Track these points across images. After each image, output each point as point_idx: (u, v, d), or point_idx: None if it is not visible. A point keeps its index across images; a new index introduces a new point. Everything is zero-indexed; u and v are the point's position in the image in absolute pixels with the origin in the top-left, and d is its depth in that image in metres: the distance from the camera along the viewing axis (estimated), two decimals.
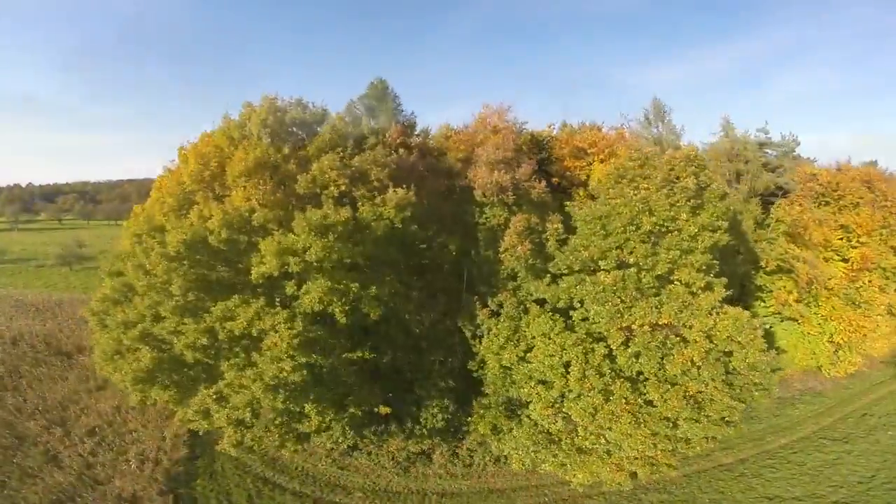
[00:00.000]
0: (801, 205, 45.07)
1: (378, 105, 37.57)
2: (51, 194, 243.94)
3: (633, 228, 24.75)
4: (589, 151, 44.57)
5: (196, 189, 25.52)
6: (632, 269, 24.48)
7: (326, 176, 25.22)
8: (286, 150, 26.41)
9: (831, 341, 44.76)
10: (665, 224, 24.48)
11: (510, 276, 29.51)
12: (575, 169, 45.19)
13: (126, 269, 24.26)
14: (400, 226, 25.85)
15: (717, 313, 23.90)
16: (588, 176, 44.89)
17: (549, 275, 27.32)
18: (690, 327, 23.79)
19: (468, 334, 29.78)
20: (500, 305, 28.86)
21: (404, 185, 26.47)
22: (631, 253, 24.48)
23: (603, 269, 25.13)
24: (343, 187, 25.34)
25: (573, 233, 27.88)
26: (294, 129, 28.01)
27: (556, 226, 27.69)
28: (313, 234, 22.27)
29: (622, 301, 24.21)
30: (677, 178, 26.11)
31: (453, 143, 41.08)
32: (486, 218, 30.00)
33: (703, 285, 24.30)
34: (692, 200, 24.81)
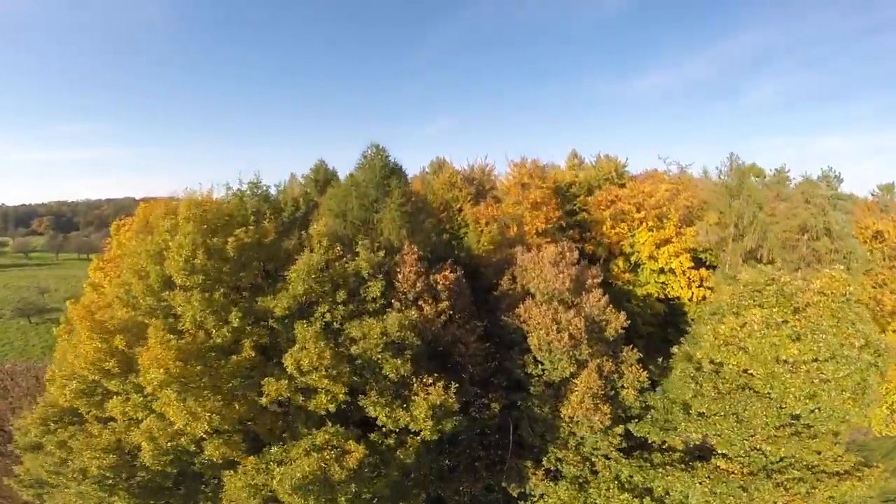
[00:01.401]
0: None
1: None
2: (25, 217, 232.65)
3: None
4: (634, 215, 38.05)
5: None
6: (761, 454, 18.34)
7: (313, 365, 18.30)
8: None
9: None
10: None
11: (573, 432, 23.07)
12: (614, 235, 38.86)
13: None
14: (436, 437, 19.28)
15: None
16: (633, 245, 38.58)
17: (629, 441, 21.09)
18: None
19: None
20: (560, 462, 22.60)
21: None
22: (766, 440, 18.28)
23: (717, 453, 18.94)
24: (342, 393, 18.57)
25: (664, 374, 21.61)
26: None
27: (638, 375, 21.50)
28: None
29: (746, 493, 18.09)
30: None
31: (474, 218, 34.60)
32: (545, 371, 22.91)
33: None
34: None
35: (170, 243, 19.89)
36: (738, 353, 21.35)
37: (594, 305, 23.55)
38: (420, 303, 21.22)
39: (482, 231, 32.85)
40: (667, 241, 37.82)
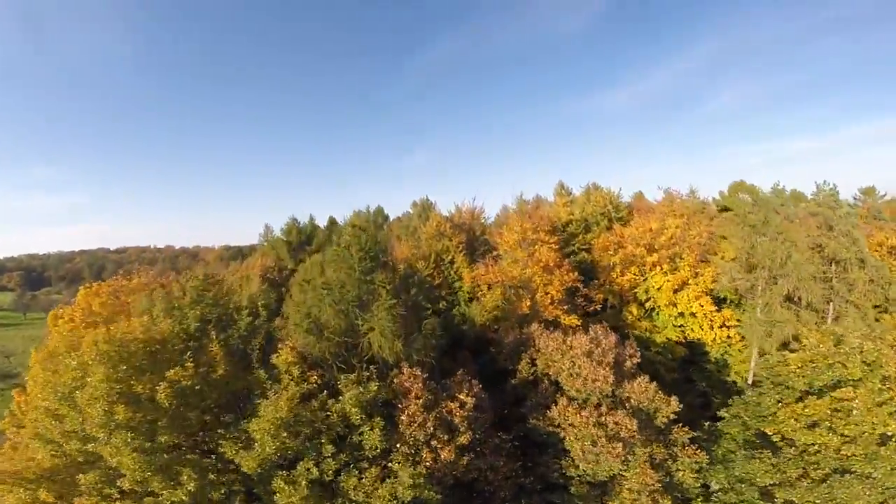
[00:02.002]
0: None
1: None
2: None
3: None
4: (646, 258, 34.46)
5: None
6: None
7: None
8: None
9: None
10: None
11: None
12: (625, 281, 35.18)
13: None
14: None
15: None
16: (647, 291, 34.91)
17: None
18: None
19: None
20: None
21: None
22: None
23: None
24: None
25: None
26: None
27: (695, 457, 17.58)
28: None
29: None
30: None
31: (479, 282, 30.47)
32: (588, 471, 18.60)
33: None
34: None
35: (78, 391, 15.15)
36: (829, 434, 17.75)
37: (642, 394, 19.40)
38: (433, 443, 16.54)
39: (485, 296, 28.69)
40: (684, 284, 34.36)
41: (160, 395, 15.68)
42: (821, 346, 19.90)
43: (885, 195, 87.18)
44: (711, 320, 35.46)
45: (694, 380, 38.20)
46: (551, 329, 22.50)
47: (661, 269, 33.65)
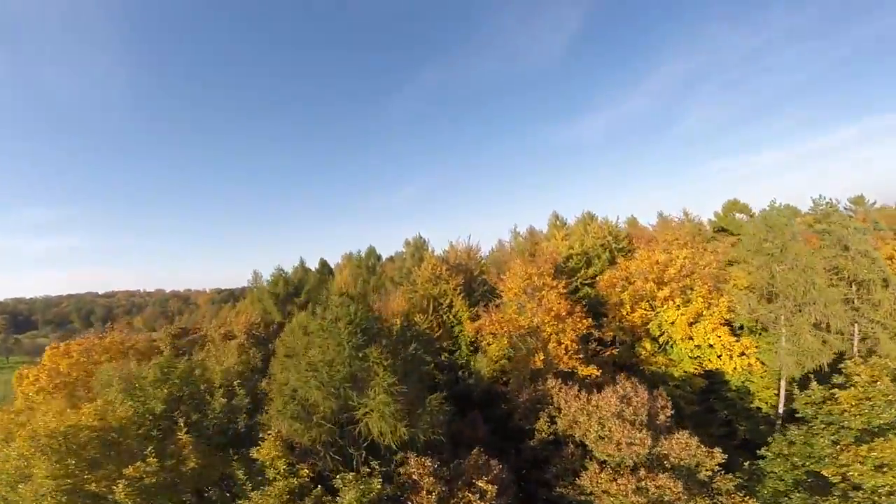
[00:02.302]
0: None
1: None
2: None
3: None
4: (656, 293, 32.51)
5: None
6: None
7: None
8: None
9: None
10: None
11: None
12: (637, 318, 33.10)
13: None
14: None
15: None
16: (661, 326, 32.80)
17: None
18: None
19: None
20: None
21: None
22: None
23: None
24: None
25: None
26: None
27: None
28: None
29: None
30: None
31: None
32: None
33: None
34: None
35: (22, 485, 12.56)
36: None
37: (682, 450, 16.97)
38: None
39: (490, 346, 26.35)
40: (699, 316, 32.38)
41: (119, 495, 13.05)
42: (877, 382, 17.88)
43: (874, 203, 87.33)
44: (730, 350, 33.37)
45: (716, 409, 35.88)
46: (569, 383, 20.17)
47: (674, 302, 31.69)
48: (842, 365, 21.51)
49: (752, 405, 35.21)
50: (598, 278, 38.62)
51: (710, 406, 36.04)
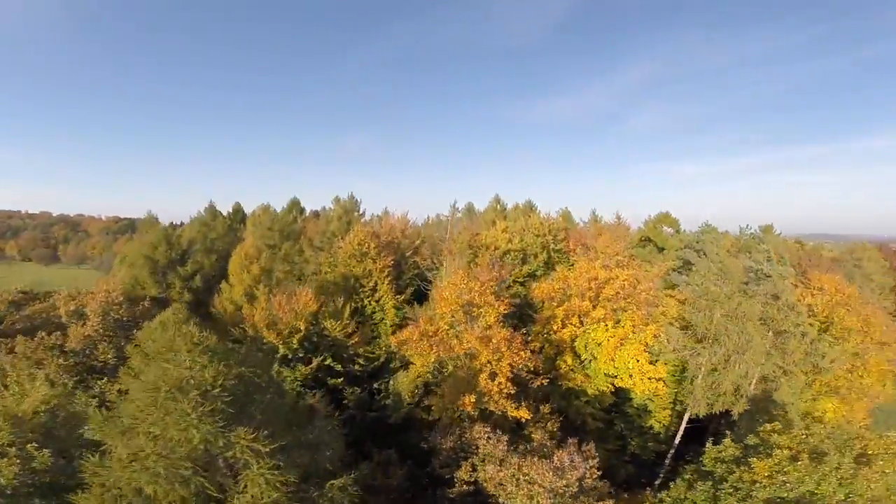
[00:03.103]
0: None
1: None
2: None
3: None
4: (591, 314, 31.20)
5: None
6: None
7: None
8: None
9: None
10: None
11: None
12: (566, 334, 31.79)
13: None
14: None
15: None
16: (587, 345, 31.78)
17: None
18: None
19: None
20: None
21: None
22: None
23: None
24: None
25: None
26: None
27: None
28: None
29: None
30: None
31: None
32: None
33: None
34: None
35: None
36: None
37: None
38: None
39: (413, 363, 23.19)
40: (624, 340, 31.86)
41: None
42: (798, 460, 17.59)
43: (780, 234, 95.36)
44: (644, 373, 33.61)
45: (615, 424, 36.79)
46: (497, 432, 17.80)
47: (605, 324, 30.70)
48: (760, 428, 21.44)
49: (647, 423, 36.49)
50: (534, 284, 36.80)
51: (611, 420, 36.83)
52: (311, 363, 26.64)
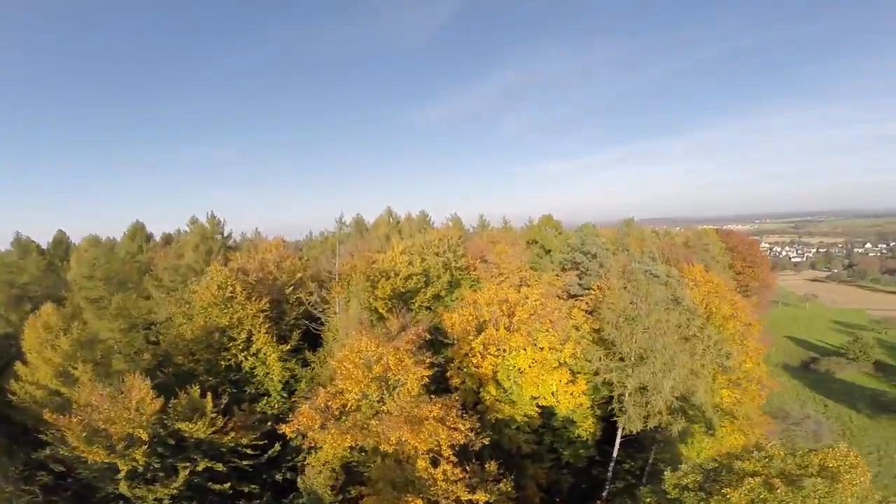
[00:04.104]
0: None
1: None
2: None
3: None
4: (509, 343, 28.15)
5: None
6: None
7: None
8: None
9: None
10: None
11: None
12: (487, 366, 28.39)
13: None
14: None
15: None
16: (509, 374, 28.71)
17: None
18: None
19: None
20: None
21: None
22: None
23: None
24: None
25: None
26: None
27: None
28: None
29: None
30: None
31: None
32: None
33: None
34: None
35: None
36: None
37: None
38: None
39: (321, 448, 17.34)
40: (544, 361, 29.64)
41: None
42: (777, 488, 16.25)
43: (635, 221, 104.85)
44: (567, 391, 31.99)
45: (545, 438, 35.45)
46: None
47: (525, 351, 28.00)
48: (717, 455, 20.24)
49: (574, 433, 35.76)
50: (442, 311, 32.89)
51: (541, 437, 35.39)
52: (177, 474, 19.09)
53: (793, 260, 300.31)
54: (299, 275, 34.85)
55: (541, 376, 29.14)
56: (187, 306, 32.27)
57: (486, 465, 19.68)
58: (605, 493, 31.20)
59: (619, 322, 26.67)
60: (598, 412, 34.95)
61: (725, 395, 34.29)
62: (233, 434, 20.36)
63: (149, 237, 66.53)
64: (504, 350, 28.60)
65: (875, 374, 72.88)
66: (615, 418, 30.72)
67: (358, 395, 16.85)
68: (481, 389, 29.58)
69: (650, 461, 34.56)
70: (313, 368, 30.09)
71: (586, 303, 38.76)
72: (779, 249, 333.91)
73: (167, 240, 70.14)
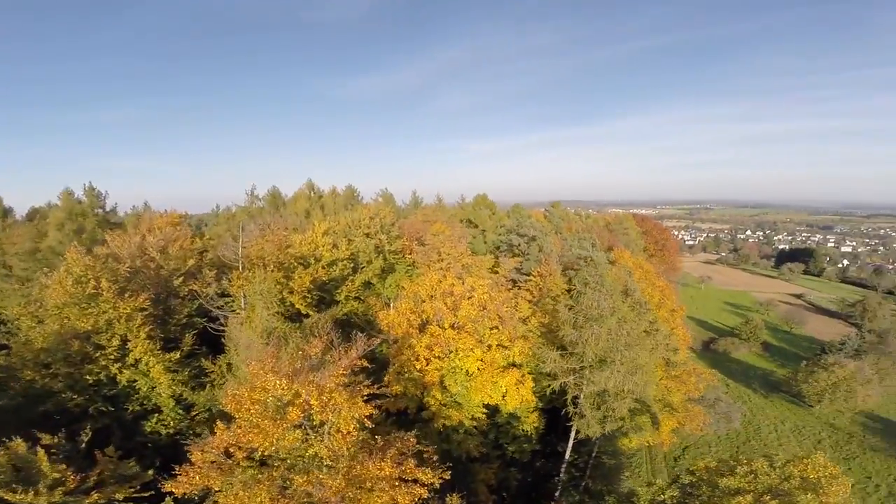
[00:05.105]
0: None
1: None
2: None
3: None
4: (457, 345, 24.42)
5: None
6: None
7: None
8: None
9: None
10: None
11: None
12: (433, 370, 24.49)
13: None
14: None
15: None
16: (457, 379, 25.07)
17: None
18: None
19: None
20: None
21: None
22: None
23: None
24: None
25: None
26: None
27: None
28: None
29: None
30: None
31: None
32: None
33: None
34: None
35: None
36: None
37: None
38: None
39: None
40: (493, 365, 26.50)
41: None
42: None
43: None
44: (517, 392, 29.29)
45: (489, 434, 33.01)
46: None
47: (474, 353, 24.51)
48: (693, 466, 18.40)
49: (519, 429, 33.82)
50: (376, 306, 28.28)
51: (486, 434, 32.91)
52: None
53: (687, 243, 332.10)
54: (192, 261, 28.01)
55: (491, 380, 25.93)
56: (37, 306, 24.44)
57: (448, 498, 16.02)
58: (557, 493, 29.28)
59: (579, 322, 24.08)
60: (541, 404, 33.24)
61: (670, 387, 33.81)
62: (96, 496, 14.39)
63: (6, 212, 52.84)
64: (450, 351, 24.89)
65: (763, 354, 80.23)
66: (570, 423, 28.54)
67: (271, 444, 12.18)
68: (426, 394, 25.74)
69: (594, 454, 33.45)
70: (213, 384, 24.13)
71: (530, 292, 36.28)
72: (676, 233, 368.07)
73: (31, 216, 56.72)
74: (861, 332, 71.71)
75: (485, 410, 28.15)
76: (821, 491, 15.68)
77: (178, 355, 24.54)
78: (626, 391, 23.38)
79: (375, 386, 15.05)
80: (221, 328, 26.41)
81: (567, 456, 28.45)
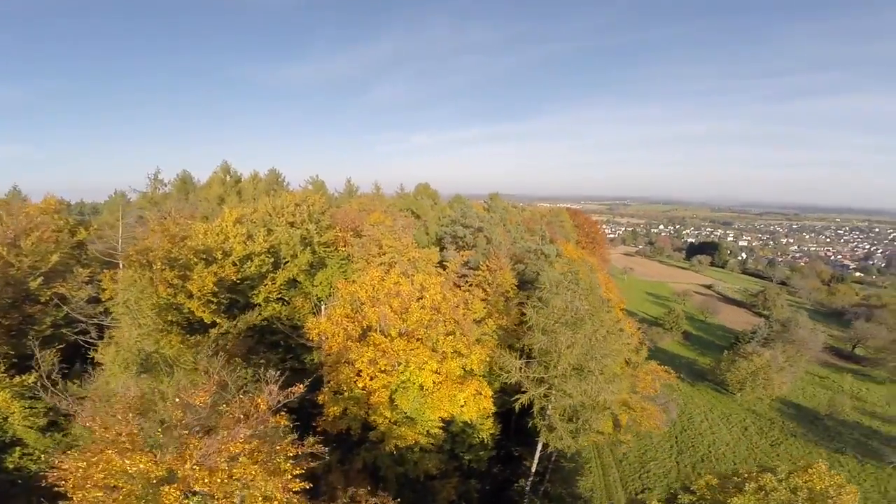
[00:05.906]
0: None
1: None
2: None
3: None
4: (408, 355, 20.46)
5: None
6: None
7: None
8: None
9: None
10: None
11: None
12: (378, 385, 20.25)
13: None
14: None
15: None
16: (409, 395, 21.08)
17: None
18: None
19: None
20: None
21: None
22: None
23: None
24: None
25: None
26: None
27: None
28: None
29: None
30: None
31: None
32: None
33: None
34: None
35: None
36: None
37: None
38: None
39: None
40: (449, 376, 22.88)
41: None
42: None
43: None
44: (476, 403, 25.97)
45: (444, 445, 29.82)
46: None
47: (428, 364, 20.69)
48: (693, 486, 16.34)
49: (476, 437, 30.96)
50: (302, 310, 23.42)
51: (454, 451, 29.61)
52: None
53: (609, 236, 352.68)
54: (55, 257, 21.35)
55: (449, 394, 22.24)
56: None
57: None
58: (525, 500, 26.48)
59: (549, 326, 21.10)
60: (495, 408, 30.64)
61: (629, 387, 32.32)
62: None
63: None
64: (399, 364, 20.84)
65: (685, 344, 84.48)
66: (537, 438, 25.65)
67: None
68: (371, 413, 21.47)
69: (553, 458, 31.26)
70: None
71: (482, 289, 33.14)
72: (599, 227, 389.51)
73: None
74: (769, 321, 77.35)
75: (441, 424, 24.62)
76: (830, 502, 14.18)
77: (32, 378, 18.41)
78: (603, 402, 20.96)
79: (309, 437, 10.60)
80: (95, 344, 20.25)
81: (534, 468, 25.71)
